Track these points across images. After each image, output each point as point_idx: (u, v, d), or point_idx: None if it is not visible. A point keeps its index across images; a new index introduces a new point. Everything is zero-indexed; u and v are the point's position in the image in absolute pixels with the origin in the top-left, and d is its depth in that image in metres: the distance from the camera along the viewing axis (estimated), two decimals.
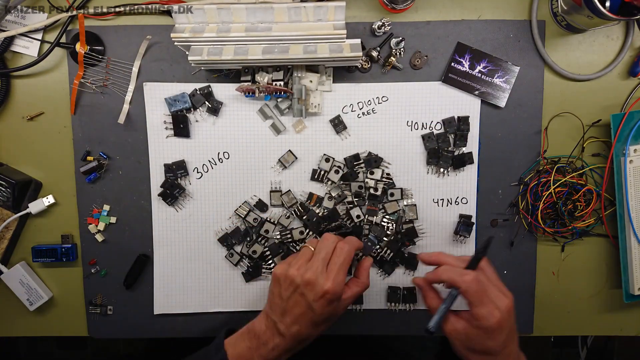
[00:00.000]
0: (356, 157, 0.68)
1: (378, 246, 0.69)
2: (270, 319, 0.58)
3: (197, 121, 0.68)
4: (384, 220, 0.69)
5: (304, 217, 0.68)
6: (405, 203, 0.69)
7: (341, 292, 0.57)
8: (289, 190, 0.69)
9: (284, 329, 0.56)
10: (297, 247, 0.69)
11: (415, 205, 0.69)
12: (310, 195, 0.69)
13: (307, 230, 0.68)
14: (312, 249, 0.59)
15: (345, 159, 0.68)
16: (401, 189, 0.68)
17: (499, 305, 0.54)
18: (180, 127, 0.67)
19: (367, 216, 0.68)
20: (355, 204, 0.68)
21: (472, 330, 0.55)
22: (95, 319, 0.72)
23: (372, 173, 0.68)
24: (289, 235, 0.69)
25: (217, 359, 0.56)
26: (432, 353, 0.99)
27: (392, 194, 0.68)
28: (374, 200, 0.68)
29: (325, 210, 0.69)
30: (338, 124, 0.67)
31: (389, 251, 0.69)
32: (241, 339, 0.59)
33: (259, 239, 0.70)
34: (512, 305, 0.56)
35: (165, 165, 0.68)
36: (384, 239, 0.69)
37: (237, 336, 0.59)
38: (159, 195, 0.69)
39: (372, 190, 0.68)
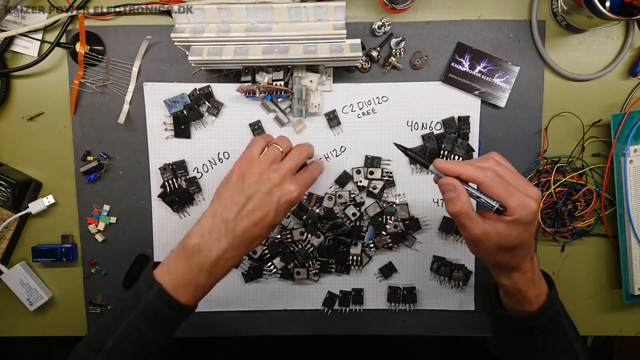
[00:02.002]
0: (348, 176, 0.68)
1: (371, 241, 0.69)
2: (219, 218, 0.54)
3: (197, 121, 0.67)
4: (387, 219, 0.69)
5: (304, 217, 0.68)
6: (397, 202, 0.69)
7: (299, 200, 0.57)
8: None
9: (238, 227, 0.53)
10: (297, 247, 0.69)
11: (406, 204, 0.69)
12: (310, 195, 0.69)
13: (307, 234, 0.68)
14: (280, 150, 0.59)
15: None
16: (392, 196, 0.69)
17: (530, 194, 0.50)
18: (181, 127, 0.67)
19: (365, 209, 0.68)
20: (349, 202, 0.68)
21: (505, 227, 0.50)
22: (95, 319, 0.72)
23: (371, 173, 0.68)
24: (289, 235, 0.69)
25: (152, 294, 0.52)
26: (432, 353, 0.99)
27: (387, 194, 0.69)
28: (374, 198, 0.68)
29: (324, 211, 0.69)
30: (332, 119, 0.67)
31: (392, 243, 0.69)
32: (176, 260, 0.54)
33: None
34: (540, 196, 0.52)
35: (164, 164, 0.68)
36: (386, 233, 0.69)
37: (170, 260, 0.55)
38: (158, 196, 0.69)
39: (371, 189, 0.68)
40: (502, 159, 0.53)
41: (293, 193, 0.55)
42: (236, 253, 0.54)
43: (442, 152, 0.67)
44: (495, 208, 0.50)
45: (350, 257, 0.69)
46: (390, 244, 0.69)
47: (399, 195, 0.69)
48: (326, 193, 0.69)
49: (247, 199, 0.54)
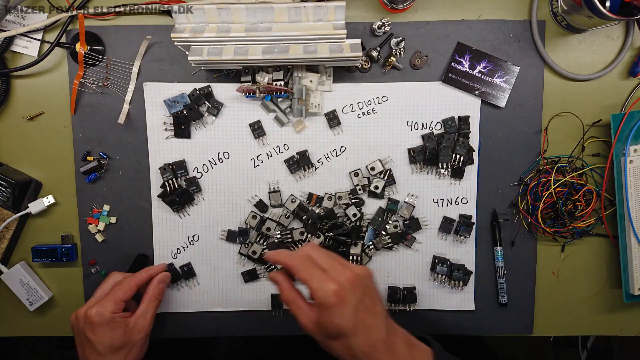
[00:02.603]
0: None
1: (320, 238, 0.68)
2: None
3: (197, 121, 0.67)
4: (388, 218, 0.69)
5: (304, 217, 0.68)
6: (406, 199, 0.69)
7: (109, 316, 0.59)
8: (292, 195, 0.69)
9: None
10: (298, 247, 0.69)
11: (414, 206, 0.69)
12: (310, 195, 0.69)
13: (306, 234, 0.68)
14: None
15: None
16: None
17: (335, 277, 0.48)
18: (181, 127, 0.67)
19: (361, 208, 0.68)
20: (351, 203, 0.68)
21: (317, 313, 0.49)
22: None
23: (372, 169, 0.68)
24: (289, 235, 0.69)
25: None
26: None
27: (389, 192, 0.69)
28: (375, 197, 0.68)
29: (324, 211, 0.69)
30: (332, 119, 0.67)
31: (391, 243, 0.69)
32: None
33: (259, 238, 0.70)
34: (360, 277, 0.50)
35: (164, 164, 0.68)
36: (385, 233, 0.69)
37: None
38: (158, 196, 0.69)
39: (372, 188, 0.68)
40: (317, 247, 0.53)
41: (86, 312, 0.59)
42: None
43: (441, 153, 0.67)
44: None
45: (350, 257, 0.69)
46: (390, 244, 0.69)
47: (412, 195, 0.69)
48: (326, 193, 0.69)
49: (78, 350, 0.61)
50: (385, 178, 0.68)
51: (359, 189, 0.68)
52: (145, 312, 0.62)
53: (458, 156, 0.67)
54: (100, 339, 0.58)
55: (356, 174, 0.68)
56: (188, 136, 0.68)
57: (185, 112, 0.67)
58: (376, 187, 0.68)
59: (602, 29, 0.66)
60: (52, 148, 0.69)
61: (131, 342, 0.60)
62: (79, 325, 0.60)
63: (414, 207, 0.69)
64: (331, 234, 0.68)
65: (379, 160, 0.68)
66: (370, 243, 0.69)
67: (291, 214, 0.69)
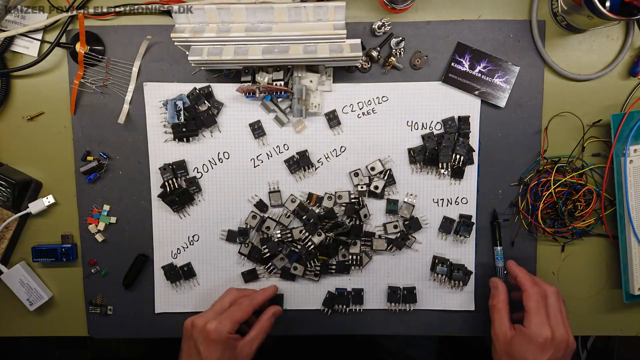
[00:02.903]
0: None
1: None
2: None
3: (194, 130, 0.68)
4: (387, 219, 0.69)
5: (304, 217, 0.68)
6: (405, 199, 0.69)
7: (224, 334, 0.59)
8: (292, 195, 0.69)
9: None
10: (298, 247, 0.69)
11: (413, 205, 0.69)
12: (310, 195, 0.69)
13: (307, 233, 0.68)
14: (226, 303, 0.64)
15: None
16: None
17: (555, 328, 0.56)
18: (182, 131, 0.67)
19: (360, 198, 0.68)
20: (352, 201, 0.68)
21: (518, 338, 0.57)
22: (95, 319, 0.72)
23: (372, 169, 0.68)
24: (289, 235, 0.69)
25: None
26: (431, 352, 0.99)
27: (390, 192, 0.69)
28: (375, 197, 0.68)
29: (324, 210, 0.69)
30: (332, 119, 0.67)
31: (394, 248, 0.69)
32: None
33: (259, 238, 0.70)
34: (568, 345, 0.57)
35: (164, 164, 0.68)
36: (388, 236, 0.69)
37: None
38: (158, 196, 0.69)
39: (372, 188, 0.68)
40: (560, 296, 0.60)
41: (208, 327, 0.59)
42: None
43: (441, 153, 0.67)
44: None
45: (350, 257, 0.69)
46: (391, 248, 0.69)
47: (410, 195, 0.69)
48: (326, 193, 0.69)
49: (184, 351, 0.62)
50: (385, 178, 0.68)
51: (361, 187, 0.68)
52: (253, 340, 0.62)
53: (458, 156, 0.67)
54: (211, 355, 0.59)
55: (356, 174, 0.68)
56: (188, 140, 0.68)
57: (184, 128, 0.67)
58: (376, 187, 0.68)
59: (602, 29, 0.66)
60: (52, 148, 0.69)
61: None
62: (193, 333, 0.61)
63: (413, 206, 0.69)
64: (331, 233, 0.68)
65: (379, 160, 0.68)
66: (370, 241, 0.69)
67: (291, 213, 0.69)
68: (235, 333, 0.61)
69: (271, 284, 0.71)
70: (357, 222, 0.69)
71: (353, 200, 0.68)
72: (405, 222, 0.69)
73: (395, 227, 0.69)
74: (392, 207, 0.69)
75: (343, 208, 0.69)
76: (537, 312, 0.57)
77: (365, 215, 0.69)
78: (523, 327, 0.57)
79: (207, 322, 0.60)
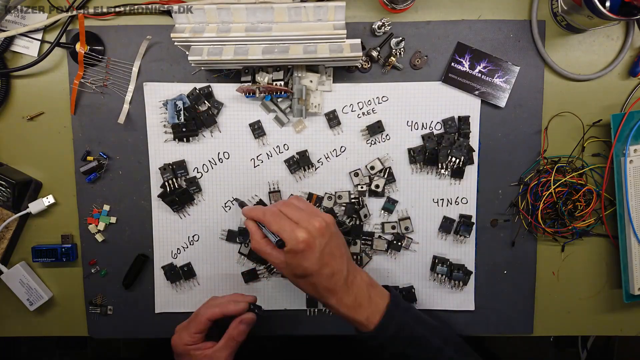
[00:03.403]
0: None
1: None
2: None
3: (194, 130, 0.68)
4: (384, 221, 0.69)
5: None
6: (398, 218, 0.70)
7: (181, 347, 0.61)
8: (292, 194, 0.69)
9: None
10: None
11: (409, 218, 0.69)
12: (310, 195, 0.69)
13: None
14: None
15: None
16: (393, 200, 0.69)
17: (304, 226, 0.55)
18: (182, 131, 0.67)
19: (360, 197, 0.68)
20: (352, 200, 0.68)
21: (287, 257, 0.56)
22: (95, 319, 0.72)
23: (372, 168, 0.68)
24: None
25: None
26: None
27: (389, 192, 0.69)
28: (376, 196, 0.68)
29: (324, 210, 0.69)
30: (332, 119, 0.67)
31: (392, 251, 0.69)
32: None
33: None
34: (324, 224, 0.56)
35: (164, 164, 0.68)
36: (385, 236, 0.69)
37: None
38: (158, 196, 0.69)
39: (373, 187, 0.68)
40: (296, 199, 0.61)
41: (171, 340, 0.62)
42: None
43: (441, 153, 0.67)
44: (275, 241, 0.57)
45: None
46: (389, 251, 0.69)
47: (405, 211, 0.69)
48: (326, 193, 0.69)
49: None
50: (386, 176, 0.68)
51: (361, 187, 0.68)
52: (221, 349, 0.61)
53: (456, 159, 0.66)
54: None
55: (356, 174, 0.68)
56: (188, 140, 0.68)
57: (184, 128, 0.67)
58: (377, 186, 0.68)
59: (602, 29, 0.66)
60: (52, 148, 0.69)
61: None
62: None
63: (408, 218, 0.69)
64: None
65: (378, 159, 0.68)
66: (370, 241, 0.69)
67: None
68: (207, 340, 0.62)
69: (271, 283, 0.71)
70: (357, 222, 0.69)
71: (353, 200, 0.68)
72: (401, 221, 0.69)
73: (393, 227, 0.69)
74: (390, 206, 0.69)
75: (343, 208, 0.69)
76: (282, 229, 0.55)
77: (365, 215, 0.69)
78: (283, 249, 0.56)
79: (173, 335, 0.63)
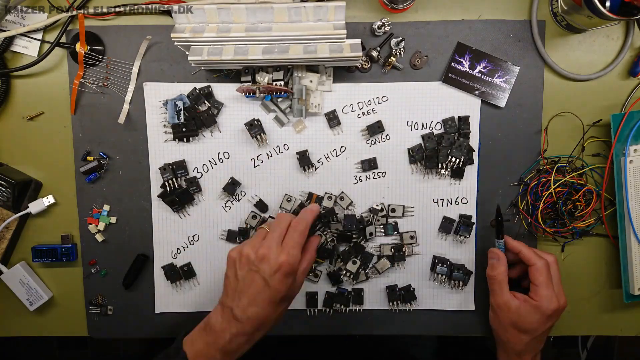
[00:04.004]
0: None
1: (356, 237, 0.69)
2: (226, 307, 0.56)
3: (194, 130, 0.68)
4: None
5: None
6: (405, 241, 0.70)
7: (296, 265, 0.55)
8: (292, 196, 0.69)
9: (240, 314, 0.55)
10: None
11: (415, 232, 0.69)
12: (310, 195, 0.69)
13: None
14: (267, 230, 0.59)
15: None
16: (403, 206, 0.70)
17: (559, 298, 0.61)
18: (182, 131, 0.67)
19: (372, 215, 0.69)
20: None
21: (526, 308, 0.60)
22: (95, 319, 0.72)
23: (393, 211, 0.69)
24: None
25: None
26: (431, 352, 0.99)
27: (393, 210, 0.69)
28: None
29: (324, 210, 0.69)
30: (332, 119, 0.67)
31: (393, 250, 0.69)
32: (199, 335, 0.57)
33: None
34: (564, 309, 0.63)
35: (164, 164, 0.68)
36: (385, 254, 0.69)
37: (194, 333, 0.58)
38: (158, 196, 0.69)
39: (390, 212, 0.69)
40: (557, 265, 0.64)
41: (279, 259, 0.54)
42: (248, 338, 0.56)
43: (441, 153, 0.67)
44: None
45: (346, 272, 0.69)
46: (393, 263, 0.70)
47: (411, 232, 0.70)
48: (326, 193, 0.69)
49: (240, 284, 0.56)
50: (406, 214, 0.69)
51: (376, 205, 0.69)
52: (304, 270, 0.58)
53: (456, 159, 0.66)
54: (283, 287, 0.55)
55: (381, 209, 0.69)
56: (188, 140, 0.68)
57: (184, 128, 0.67)
58: (393, 210, 0.69)
59: (602, 29, 0.66)
60: (52, 148, 0.69)
61: (292, 295, 0.59)
62: (259, 266, 0.55)
63: (415, 233, 0.70)
64: (330, 229, 0.68)
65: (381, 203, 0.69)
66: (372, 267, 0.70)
67: (292, 213, 0.69)
68: None
69: None
70: (360, 241, 0.69)
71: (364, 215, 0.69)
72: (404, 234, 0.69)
73: (392, 249, 0.69)
74: (392, 231, 0.69)
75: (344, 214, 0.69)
76: (547, 286, 0.60)
77: (370, 234, 0.68)
78: (531, 299, 0.61)
79: (278, 255, 0.55)
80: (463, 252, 0.70)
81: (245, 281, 0.55)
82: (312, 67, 0.65)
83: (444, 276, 0.70)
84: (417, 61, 0.67)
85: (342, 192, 0.69)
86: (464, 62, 0.66)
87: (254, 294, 0.55)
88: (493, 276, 0.63)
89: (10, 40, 0.67)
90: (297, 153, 0.68)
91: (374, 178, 0.69)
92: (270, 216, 0.70)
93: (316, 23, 0.60)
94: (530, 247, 0.64)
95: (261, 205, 0.69)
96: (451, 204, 0.69)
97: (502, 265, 0.63)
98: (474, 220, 0.69)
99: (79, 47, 0.65)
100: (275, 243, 0.56)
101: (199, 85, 0.67)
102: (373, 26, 0.65)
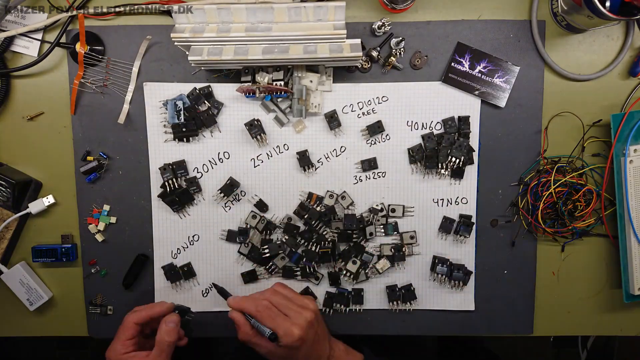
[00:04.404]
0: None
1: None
2: None
3: (194, 130, 0.68)
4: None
5: (305, 217, 0.68)
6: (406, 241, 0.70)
7: (115, 357, 0.60)
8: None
9: None
10: (301, 245, 0.69)
11: (415, 232, 0.69)
12: (310, 194, 0.69)
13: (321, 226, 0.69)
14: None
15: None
16: (403, 206, 0.69)
17: (297, 322, 0.59)
18: (182, 131, 0.67)
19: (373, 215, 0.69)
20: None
21: (277, 350, 0.60)
22: (95, 319, 0.72)
23: (393, 210, 0.69)
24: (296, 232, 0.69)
25: None
26: (431, 352, 0.99)
27: (393, 210, 0.69)
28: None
29: (324, 208, 0.69)
30: (332, 119, 0.67)
31: (393, 250, 0.69)
32: None
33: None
34: (313, 315, 0.61)
35: (164, 164, 0.68)
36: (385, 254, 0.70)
37: None
38: (158, 196, 0.69)
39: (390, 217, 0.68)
40: (281, 287, 0.64)
41: (106, 354, 0.61)
42: None
43: (441, 153, 0.67)
44: (267, 335, 0.59)
45: (346, 272, 0.69)
46: (393, 263, 0.70)
47: (411, 232, 0.70)
48: (327, 191, 0.69)
49: None
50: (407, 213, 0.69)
51: (376, 205, 0.69)
52: (156, 356, 0.60)
53: (456, 159, 0.66)
54: None
55: (381, 209, 0.69)
56: (188, 140, 0.68)
57: (184, 128, 0.67)
58: (393, 210, 0.69)
59: (602, 29, 0.66)
60: (52, 148, 0.69)
61: None
62: None
63: (414, 232, 0.70)
64: (330, 229, 0.68)
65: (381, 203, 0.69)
66: (371, 265, 0.70)
67: (293, 213, 0.69)
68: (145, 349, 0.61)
69: (271, 284, 0.71)
70: (360, 241, 0.69)
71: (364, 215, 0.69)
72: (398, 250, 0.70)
73: (392, 249, 0.69)
74: (392, 230, 0.69)
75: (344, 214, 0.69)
76: (277, 326, 0.59)
77: (370, 234, 0.68)
78: (278, 343, 0.59)
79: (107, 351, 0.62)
80: (463, 252, 0.70)
81: None
82: (312, 67, 0.65)
83: (444, 276, 0.70)
84: (417, 61, 0.67)
85: (344, 192, 0.69)
86: (464, 62, 0.66)
87: None
88: (244, 339, 0.62)
89: (10, 40, 0.67)
90: (297, 153, 0.68)
91: (374, 178, 0.69)
92: (268, 219, 0.70)
93: (316, 23, 0.60)
94: (246, 298, 0.63)
95: (261, 205, 0.69)
96: (451, 204, 0.69)
97: (243, 324, 0.61)
98: (474, 220, 0.69)
99: (79, 47, 0.65)
100: (113, 341, 0.63)
101: (199, 85, 0.67)
102: (373, 26, 0.65)
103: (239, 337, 0.62)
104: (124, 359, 0.60)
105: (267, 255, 0.69)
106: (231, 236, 0.70)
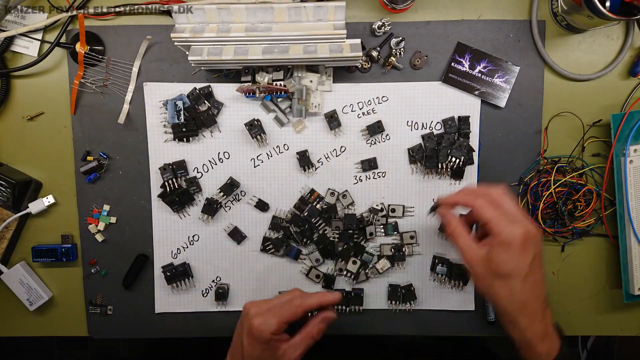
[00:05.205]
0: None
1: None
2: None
3: (195, 130, 0.67)
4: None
5: (304, 212, 0.68)
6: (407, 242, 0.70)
7: (266, 335, 0.54)
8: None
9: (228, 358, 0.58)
10: (301, 246, 0.69)
11: (416, 232, 0.69)
12: (312, 191, 0.69)
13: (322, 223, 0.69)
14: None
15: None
16: (403, 206, 0.69)
17: (524, 224, 0.50)
18: (182, 131, 0.67)
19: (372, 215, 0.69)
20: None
21: (494, 250, 0.50)
22: (95, 319, 0.72)
23: (393, 210, 0.69)
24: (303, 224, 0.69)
25: None
26: (431, 352, 0.99)
27: (393, 210, 0.69)
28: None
29: (326, 205, 0.69)
30: (332, 119, 0.67)
31: (393, 250, 0.69)
32: None
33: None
34: (540, 235, 0.51)
35: (164, 164, 0.68)
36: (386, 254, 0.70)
37: None
38: (158, 196, 0.69)
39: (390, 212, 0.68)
40: (506, 192, 0.53)
41: (252, 321, 0.54)
42: None
43: (441, 153, 0.67)
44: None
45: (346, 272, 0.69)
46: (393, 263, 0.70)
47: (411, 232, 0.70)
48: (329, 189, 0.69)
49: (235, 334, 0.59)
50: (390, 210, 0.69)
51: (376, 205, 0.69)
52: (297, 345, 0.56)
53: (457, 157, 0.66)
54: (250, 351, 0.55)
55: (381, 209, 0.69)
56: (188, 140, 0.68)
57: (184, 128, 0.67)
58: (393, 210, 0.69)
59: (602, 29, 0.66)
60: (52, 148, 0.69)
61: None
62: (243, 320, 0.57)
63: (414, 232, 0.70)
64: (337, 228, 0.69)
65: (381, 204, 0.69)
66: (371, 265, 0.70)
67: (293, 209, 0.69)
68: (285, 332, 0.56)
69: (271, 284, 0.71)
70: (360, 241, 0.69)
71: (364, 215, 0.69)
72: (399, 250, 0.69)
73: (392, 249, 0.69)
74: (392, 231, 0.69)
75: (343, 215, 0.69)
76: (498, 217, 0.50)
77: (370, 234, 0.68)
78: (493, 238, 0.50)
79: (254, 317, 0.55)
80: None
81: (235, 333, 0.58)
82: (312, 67, 0.65)
83: (444, 276, 0.70)
84: (417, 61, 0.67)
85: (346, 190, 0.69)
86: (464, 62, 0.66)
87: (234, 345, 0.58)
88: (451, 232, 0.54)
89: (10, 40, 0.67)
90: (297, 153, 0.68)
91: (374, 178, 0.69)
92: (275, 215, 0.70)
93: (316, 23, 0.60)
94: (469, 189, 0.56)
95: (261, 205, 0.69)
96: None
97: (453, 217, 0.55)
98: None
99: (79, 47, 0.65)
100: (266, 307, 0.56)
101: (199, 85, 0.67)
102: (373, 26, 0.65)
103: (448, 229, 0.55)
104: (272, 340, 0.55)
105: (270, 249, 0.69)
106: (231, 236, 0.70)
